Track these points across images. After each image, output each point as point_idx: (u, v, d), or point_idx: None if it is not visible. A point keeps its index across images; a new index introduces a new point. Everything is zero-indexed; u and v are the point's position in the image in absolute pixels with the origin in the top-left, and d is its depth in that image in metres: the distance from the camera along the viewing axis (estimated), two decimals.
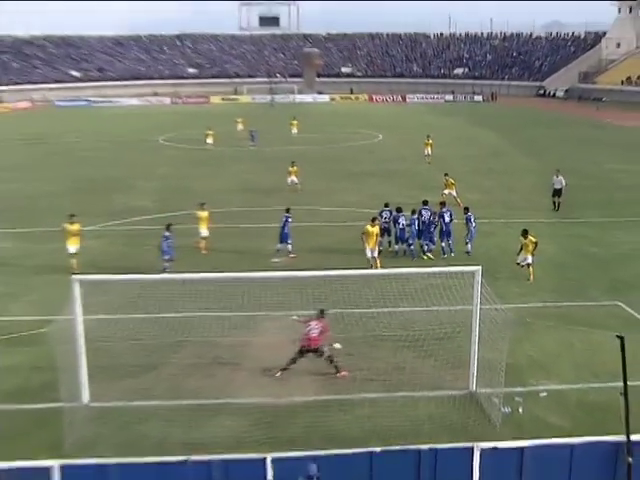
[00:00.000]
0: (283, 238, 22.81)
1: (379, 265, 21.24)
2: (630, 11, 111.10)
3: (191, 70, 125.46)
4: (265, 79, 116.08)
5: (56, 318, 13.88)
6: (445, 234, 23.25)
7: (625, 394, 10.19)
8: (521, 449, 10.53)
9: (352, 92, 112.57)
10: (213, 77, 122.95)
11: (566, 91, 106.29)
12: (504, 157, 47.56)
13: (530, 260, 20.33)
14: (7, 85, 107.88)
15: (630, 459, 10.20)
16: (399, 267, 17.23)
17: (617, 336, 10.34)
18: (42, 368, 14.49)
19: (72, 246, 21.82)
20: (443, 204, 24.36)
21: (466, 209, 24.04)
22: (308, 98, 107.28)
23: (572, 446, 10.55)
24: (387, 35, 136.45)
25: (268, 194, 33.41)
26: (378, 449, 10.45)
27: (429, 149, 44.06)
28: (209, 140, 50.81)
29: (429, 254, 23.18)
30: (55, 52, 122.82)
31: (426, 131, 49.01)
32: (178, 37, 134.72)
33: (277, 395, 13.77)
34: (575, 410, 13.35)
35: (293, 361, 14.47)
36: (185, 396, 13.76)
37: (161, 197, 33.78)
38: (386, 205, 24.02)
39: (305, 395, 13.82)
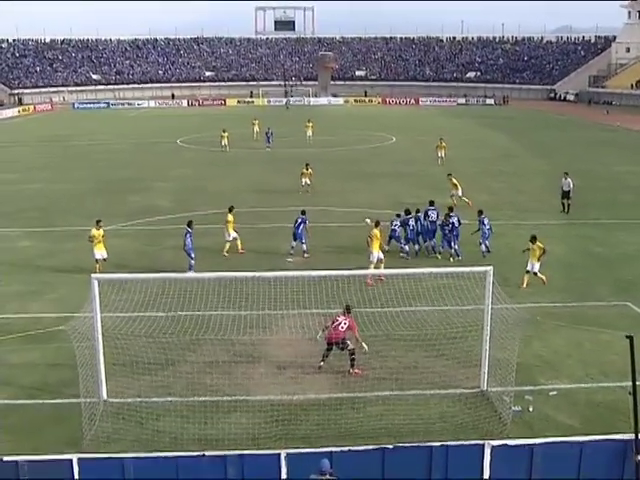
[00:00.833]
0: (296, 237, 23.55)
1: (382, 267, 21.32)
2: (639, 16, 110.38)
3: (208, 73, 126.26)
4: (280, 82, 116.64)
5: (75, 315, 14.14)
6: (453, 238, 23.45)
7: (634, 393, 10.30)
8: (531, 447, 10.68)
9: (366, 95, 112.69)
10: (229, 80, 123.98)
11: (576, 95, 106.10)
12: (515, 159, 47.52)
13: (537, 269, 20.33)
14: (29, 88, 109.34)
15: (638, 457, 10.32)
16: (411, 267, 17.41)
17: (626, 336, 10.49)
18: (60, 365, 14.81)
19: (99, 252, 21.67)
20: (451, 209, 24.44)
21: (480, 212, 24.12)
22: (323, 101, 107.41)
23: (581, 444, 10.69)
24: (401, 39, 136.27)
25: (283, 195, 33.63)
26: (390, 446, 10.65)
27: (442, 151, 44.14)
28: (224, 142, 51.20)
29: (438, 255, 23.53)
30: (75, 56, 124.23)
31: (438, 134, 49.03)
32: (195, 41, 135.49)
33: (291, 393, 13.98)
34: (584, 409, 13.48)
35: (326, 355, 14.86)
36: (201, 393, 13.99)
37: (178, 197, 34.10)
38: (398, 215, 24.23)
39: (319, 393, 14.02)
